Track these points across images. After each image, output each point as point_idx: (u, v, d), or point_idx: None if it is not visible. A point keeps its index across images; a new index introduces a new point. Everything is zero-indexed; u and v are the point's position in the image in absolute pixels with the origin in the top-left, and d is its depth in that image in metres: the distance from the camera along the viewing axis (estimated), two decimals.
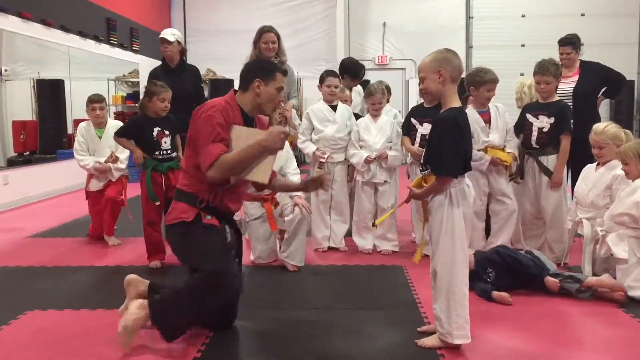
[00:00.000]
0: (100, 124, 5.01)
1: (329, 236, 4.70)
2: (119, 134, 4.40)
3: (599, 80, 5.12)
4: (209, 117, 2.74)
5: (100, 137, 5.00)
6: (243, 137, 2.75)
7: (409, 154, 4.44)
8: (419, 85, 4.14)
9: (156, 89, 4.20)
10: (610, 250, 3.48)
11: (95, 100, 4.99)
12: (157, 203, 4.19)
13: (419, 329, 2.93)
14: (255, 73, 2.89)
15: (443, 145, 2.60)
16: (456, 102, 2.67)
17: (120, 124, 4.99)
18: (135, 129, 4.33)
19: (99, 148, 4.98)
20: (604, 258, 3.66)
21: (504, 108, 4.32)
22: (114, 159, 4.92)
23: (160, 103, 4.20)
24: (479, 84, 4.10)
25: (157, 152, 4.24)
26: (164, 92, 4.20)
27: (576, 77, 5.02)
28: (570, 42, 5.09)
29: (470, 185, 2.75)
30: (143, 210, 4.29)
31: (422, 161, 2.78)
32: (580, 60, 5.13)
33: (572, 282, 3.42)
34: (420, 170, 2.80)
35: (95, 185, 5.04)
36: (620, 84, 5.32)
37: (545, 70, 4.08)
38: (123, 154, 4.96)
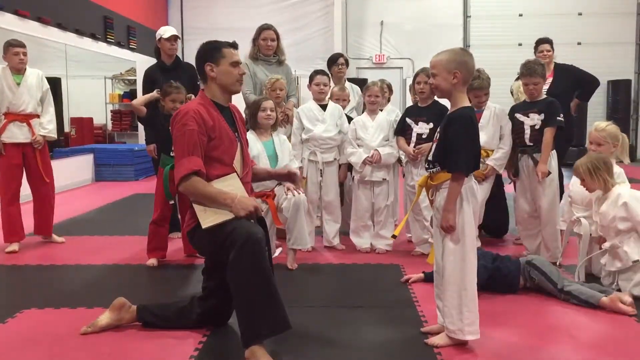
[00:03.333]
0: (20, 70, 4.69)
1: (314, 236, 4.68)
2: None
3: (572, 82, 5.29)
4: (182, 126, 2.71)
5: (18, 84, 4.67)
6: (229, 185, 2.73)
7: (405, 154, 4.43)
8: (418, 81, 4.20)
9: (169, 90, 4.22)
10: (630, 259, 3.41)
11: (19, 45, 4.67)
12: (172, 202, 4.18)
13: (422, 329, 2.93)
14: (203, 60, 2.84)
15: (459, 141, 2.61)
16: (466, 102, 2.71)
17: (38, 71, 4.82)
18: (154, 121, 4.37)
19: (16, 96, 4.66)
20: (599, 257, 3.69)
21: (503, 110, 4.33)
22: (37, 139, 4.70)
23: (171, 103, 4.21)
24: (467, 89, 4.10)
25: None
26: (175, 95, 4.20)
27: (550, 79, 5.17)
28: (549, 41, 5.36)
29: (476, 182, 2.78)
30: (155, 207, 4.26)
31: (430, 158, 2.76)
32: (554, 62, 5.33)
33: (587, 306, 3.26)
34: (427, 168, 2.79)
35: (14, 135, 4.64)
36: (593, 86, 5.49)
37: (533, 72, 4.11)
38: (45, 117, 4.77)
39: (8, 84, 4.65)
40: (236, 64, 2.85)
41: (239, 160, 2.89)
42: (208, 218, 2.68)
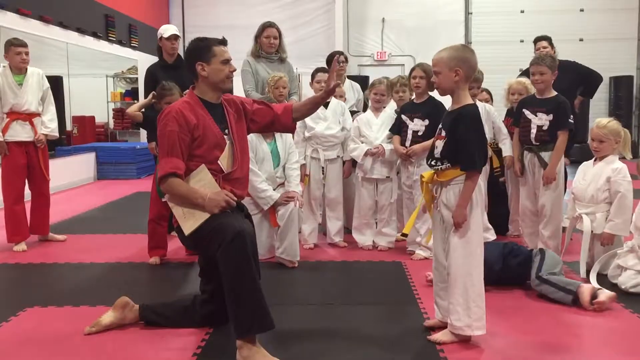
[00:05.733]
0: (21, 70, 4.68)
1: (317, 233, 4.70)
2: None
3: (574, 78, 5.29)
4: (163, 127, 2.75)
5: (20, 84, 4.65)
6: (200, 179, 2.74)
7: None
8: (414, 76, 4.20)
9: (163, 93, 4.20)
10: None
11: (20, 44, 4.65)
12: (164, 200, 4.17)
13: (425, 323, 2.93)
14: (193, 59, 2.84)
15: (471, 140, 2.61)
16: (469, 99, 2.70)
17: (39, 70, 4.81)
18: (151, 121, 4.32)
19: (18, 96, 4.64)
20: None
21: (491, 110, 4.45)
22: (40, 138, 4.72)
23: (166, 105, 4.20)
24: None
25: None
26: (168, 97, 4.17)
27: None
28: (546, 38, 5.41)
29: (482, 179, 2.79)
30: (151, 205, 4.27)
31: (437, 155, 2.74)
32: (557, 59, 5.27)
33: (565, 294, 3.24)
34: (433, 165, 2.76)
35: (17, 133, 4.65)
36: (596, 82, 5.50)
37: (541, 61, 4.10)
38: (46, 115, 4.78)
39: (9, 84, 4.64)
40: (227, 61, 2.86)
41: (228, 156, 2.85)
42: (188, 223, 2.70)
